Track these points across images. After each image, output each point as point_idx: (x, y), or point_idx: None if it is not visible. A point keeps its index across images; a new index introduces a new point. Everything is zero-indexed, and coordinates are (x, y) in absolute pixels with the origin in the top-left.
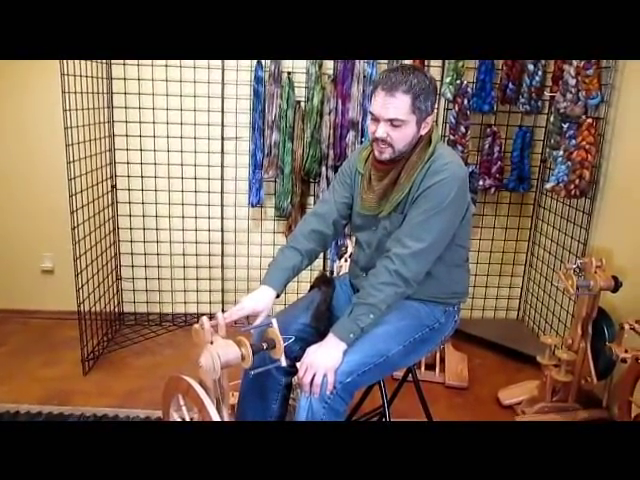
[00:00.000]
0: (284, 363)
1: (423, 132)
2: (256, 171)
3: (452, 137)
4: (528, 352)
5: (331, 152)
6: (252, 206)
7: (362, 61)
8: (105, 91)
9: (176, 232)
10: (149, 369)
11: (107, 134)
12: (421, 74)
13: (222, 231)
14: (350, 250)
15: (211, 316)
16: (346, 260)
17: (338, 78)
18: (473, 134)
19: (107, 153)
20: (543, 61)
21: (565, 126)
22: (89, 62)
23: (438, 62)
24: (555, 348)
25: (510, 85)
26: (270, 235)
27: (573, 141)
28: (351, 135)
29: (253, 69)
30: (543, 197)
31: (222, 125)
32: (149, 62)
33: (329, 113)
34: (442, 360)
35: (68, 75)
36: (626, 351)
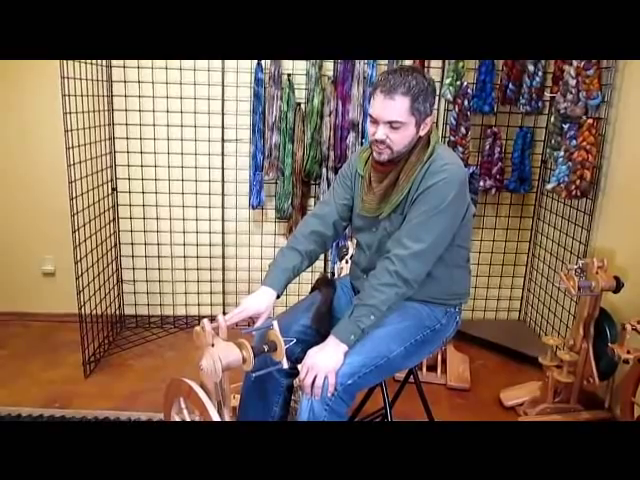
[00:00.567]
0: (286, 365)
1: (422, 133)
2: (257, 173)
3: (452, 138)
4: (530, 353)
5: (331, 153)
6: (253, 208)
7: (362, 62)
8: (105, 94)
9: (177, 234)
10: (150, 372)
11: (107, 137)
12: (420, 75)
13: (223, 233)
14: (351, 251)
15: (212, 318)
16: (347, 261)
17: (338, 79)
18: (473, 135)
19: (108, 156)
20: (543, 62)
21: (566, 127)
22: (89, 65)
23: (438, 63)
24: (557, 349)
25: (510, 86)
26: (271, 237)
27: (574, 141)
28: (351, 136)
29: (253, 71)
30: (544, 198)
31: (222, 127)
32: (149, 64)
33: (329, 114)
34: (444, 361)
35: (68, 78)
36: (628, 352)
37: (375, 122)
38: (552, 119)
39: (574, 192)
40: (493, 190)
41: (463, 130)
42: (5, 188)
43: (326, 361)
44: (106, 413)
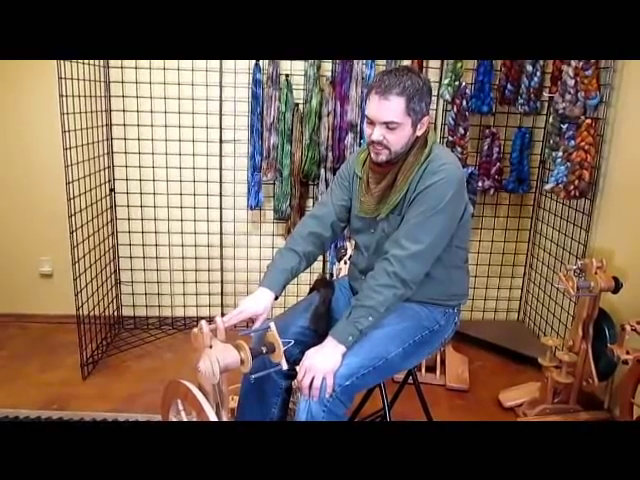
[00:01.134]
0: (285, 366)
1: (419, 133)
2: (255, 174)
3: (451, 138)
4: (529, 354)
5: (330, 154)
6: (251, 209)
7: (360, 63)
8: (103, 94)
9: (175, 235)
10: (148, 373)
11: (105, 137)
12: (415, 75)
13: (221, 234)
14: (349, 252)
15: (210, 320)
16: (345, 262)
17: (336, 80)
18: (472, 135)
19: (105, 156)
20: (542, 62)
21: (564, 127)
22: (86, 65)
23: (436, 64)
24: (556, 349)
25: (509, 86)
26: (269, 238)
27: (572, 142)
28: (350, 137)
29: (251, 72)
30: (543, 198)
31: (220, 128)
32: (147, 65)
33: (327, 115)
34: (443, 362)
35: (65, 79)
36: (627, 352)
37: (371, 123)
38: (550, 119)
39: (573, 192)
40: (492, 190)
41: (462, 130)
42: (2, 189)
43: (324, 362)
44: (104, 415)
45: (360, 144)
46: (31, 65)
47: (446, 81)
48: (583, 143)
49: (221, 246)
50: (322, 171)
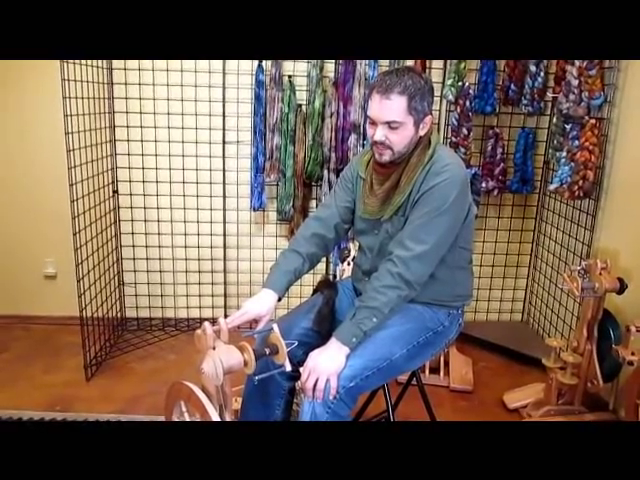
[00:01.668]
0: (288, 368)
1: (422, 133)
2: (258, 175)
3: (454, 139)
4: (533, 355)
5: (333, 155)
6: (254, 210)
7: (363, 64)
8: (106, 96)
9: (178, 237)
10: (152, 374)
11: (108, 139)
12: (416, 75)
13: (224, 235)
14: (353, 253)
15: (213, 321)
16: (349, 264)
17: (339, 81)
18: (475, 136)
19: (108, 158)
20: (545, 62)
21: (568, 127)
22: (90, 67)
23: (440, 64)
24: (560, 351)
25: (512, 86)
26: (272, 239)
27: (576, 142)
28: (353, 138)
29: (254, 73)
30: (546, 198)
31: (223, 129)
32: (150, 66)
33: (330, 116)
34: (446, 363)
35: (69, 80)
36: (632, 353)
37: (373, 123)
38: (554, 120)
39: (577, 193)
40: (495, 191)
41: (465, 131)
42: (6, 191)
43: (328, 364)
44: (107, 416)
45: (363, 145)
46: (34, 66)
47: (449, 82)
48: (587, 143)
49: (224, 247)
50: (325, 172)
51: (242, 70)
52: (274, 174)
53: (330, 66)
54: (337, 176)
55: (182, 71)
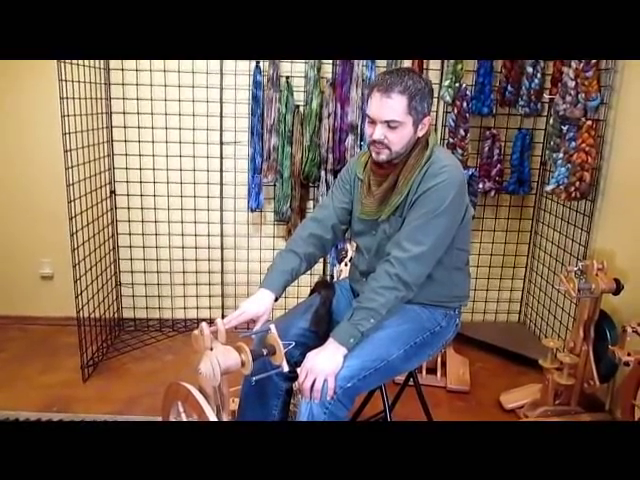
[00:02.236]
0: (286, 368)
1: (420, 134)
2: (255, 175)
3: (451, 140)
4: (530, 355)
5: (330, 156)
6: (251, 210)
7: (361, 65)
8: (103, 97)
9: (175, 237)
10: (149, 375)
11: (106, 140)
12: (416, 76)
13: (221, 236)
14: (350, 254)
15: (211, 322)
16: (346, 264)
17: (337, 82)
18: (472, 137)
19: (106, 159)
20: (542, 63)
21: (565, 128)
22: (87, 68)
23: (437, 65)
24: (557, 351)
25: (509, 88)
26: (270, 239)
27: (573, 143)
28: (350, 139)
29: (252, 73)
30: (543, 200)
31: (221, 130)
32: (147, 67)
33: (328, 117)
34: (443, 364)
35: (66, 81)
36: (629, 354)
37: (373, 122)
38: (551, 121)
39: (573, 194)
40: (492, 192)
41: (462, 132)
42: (3, 191)
43: (325, 364)
44: (104, 417)
45: (360, 146)
46: (31, 67)
47: (446, 83)
48: (584, 145)
49: (222, 248)
50: (322, 173)
51: (239, 71)
52: (271, 175)
53: (328, 67)
54: (334, 177)
55: (179, 72)
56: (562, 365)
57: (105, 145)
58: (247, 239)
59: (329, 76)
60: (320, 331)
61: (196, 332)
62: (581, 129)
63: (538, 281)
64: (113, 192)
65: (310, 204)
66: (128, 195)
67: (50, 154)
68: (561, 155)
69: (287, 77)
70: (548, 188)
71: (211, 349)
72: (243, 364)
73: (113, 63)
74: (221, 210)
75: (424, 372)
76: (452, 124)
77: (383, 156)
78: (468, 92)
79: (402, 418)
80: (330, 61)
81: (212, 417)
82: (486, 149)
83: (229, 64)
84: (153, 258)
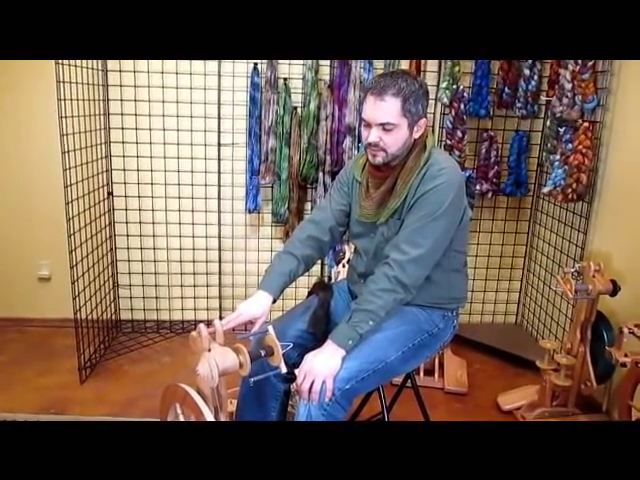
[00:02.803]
0: (284, 370)
1: (416, 136)
2: (253, 177)
3: (449, 142)
4: (527, 357)
5: (328, 158)
6: (249, 212)
7: (358, 66)
8: (101, 98)
9: (173, 239)
10: (146, 377)
11: (103, 141)
12: (410, 78)
13: (219, 237)
14: (348, 256)
15: (208, 323)
16: (344, 266)
17: (334, 84)
18: (470, 139)
19: (103, 160)
20: (539, 65)
21: (561, 130)
22: (85, 69)
23: (434, 67)
24: (554, 352)
25: (506, 89)
26: (267, 241)
27: (570, 145)
28: (348, 141)
29: (249, 75)
30: (540, 201)
31: (219, 131)
32: (145, 69)
33: (326, 119)
34: (441, 365)
35: (64, 82)
36: (626, 355)
37: (368, 125)
38: (548, 123)
39: (570, 195)
40: (489, 194)
41: (459, 134)
42: (0, 192)
43: (323, 366)
44: (102, 419)
45: (358, 148)
46: (29, 68)
47: (444, 84)
48: (581, 146)
49: (219, 250)
50: (320, 174)
51: (237, 72)
52: (269, 176)
53: (325, 69)
54: (332, 178)
55: (177, 73)
56: (559, 366)
57: (103, 146)
58: (245, 241)
59: (327, 78)
60: (318, 333)
61: (194, 333)
62: (578, 131)
63: (535, 282)
64: (111, 193)
65: (308, 206)
66: (126, 197)
67: (48, 155)
68: (558, 157)
69: (285, 79)
70: (545, 190)
71: (209, 350)
72: (241, 365)
73: (111, 64)
74: (219, 212)
75: (422, 374)
76: (449, 126)
77: (379, 158)
78: (465, 94)
79: (400, 419)
80: (328, 63)
81: (210, 419)
82: (483, 151)
83: (227, 66)
84: (151, 260)
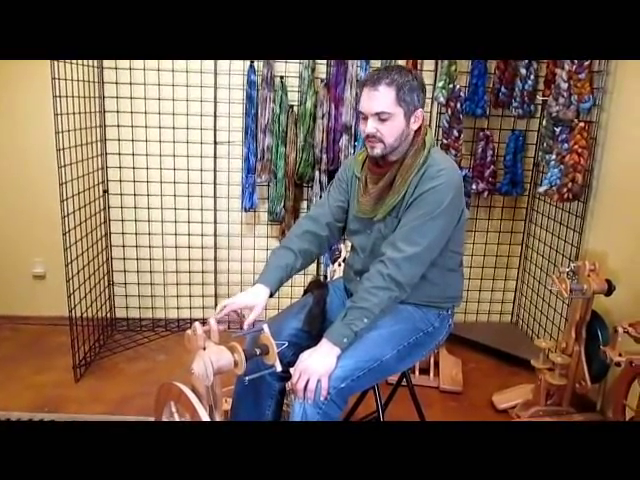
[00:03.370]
0: (279, 368)
1: (414, 127)
2: (249, 175)
3: (445, 141)
4: (522, 356)
5: (324, 156)
6: (245, 210)
7: (355, 65)
8: (97, 95)
9: (169, 237)
10: (141, 375)
11: (99, 138)
12: (404, 70)
13: (215, 236)
14: (344, 254)
15: (204, 321)
16: (340, 264)
17: (331, 82)
18: (466, 138)
19: (99, 157)
20: (535, 65)
21: (557, 130)
22: (81, 66)
23: (431, 66)
24: (549, 352)
25: (503, 89)
26: (263, 240)
27: (566, 145)
28: (344, 139)
29: (246, 73)
30: (536, 201)
31: (215, 129)
32: (141, 66)
33: (322, 117)
34: (436, 364)
35: (59, 79)
36: (620, 354)
37: (365, 118)
38: (544, 122)
39: (566, 195)
40: (485, 193)
41: (456, 133)
42: None
43: (319, 364)
44: (97, 417)
45: (354, 146)
46: (24, 66)
47: (440, 84)
48: (576, 146)
49: (215, 248)
50: (316, 173)
51: (234, 70)
52: (265, 175)
53: (322, 67)
54: (328, 177)
55: (174, 71)
56: (554, 365)
57: (98, 144)
58: (240, 239)
59: (323, 76)
60: (313, 331)
61: (189, 332)
62: (574, 131)
63: (531, 282)
64: (106, 191)
65: (304, 204)
66: (121, 194)
67: (43, 152)
68: (554, 156)
69: (281, 77)
70: (541, 189)
71: (204, 349)
72: (236, 364)
73: (107, 62)
74: (215, 210)
75: (417, 372)
76: (446, 125)
77: (378, 150)
78: (462, 93)
79: (395, 418)
80: (324, 61)
81: (205, 417)
82: (479, 150)
83: (223, 64)
84: (146, 258)
